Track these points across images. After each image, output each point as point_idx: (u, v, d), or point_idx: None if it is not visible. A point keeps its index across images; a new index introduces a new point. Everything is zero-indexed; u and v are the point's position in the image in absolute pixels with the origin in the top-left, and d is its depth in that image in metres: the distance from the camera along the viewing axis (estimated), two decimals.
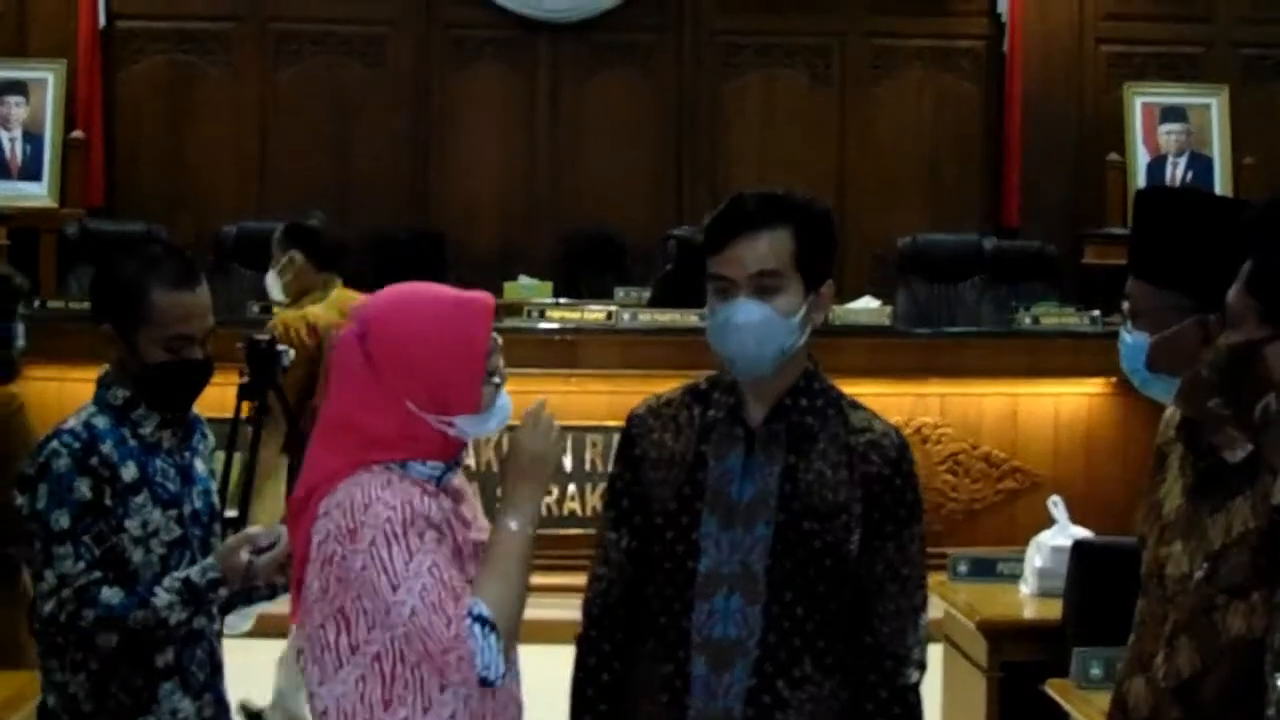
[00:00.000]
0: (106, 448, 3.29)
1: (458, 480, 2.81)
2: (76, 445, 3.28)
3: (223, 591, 3.31)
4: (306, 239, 6.39)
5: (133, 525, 3.29)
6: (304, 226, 6.46)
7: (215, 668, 3.44)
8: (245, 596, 3.40)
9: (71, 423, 3.34)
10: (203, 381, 3.39)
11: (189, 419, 3.48)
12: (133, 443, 3.34)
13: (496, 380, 2.74)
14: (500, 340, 2.78)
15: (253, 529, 3.36)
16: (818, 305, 2.82)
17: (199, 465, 3.46)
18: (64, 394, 6.96)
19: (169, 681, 3.33)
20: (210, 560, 3.30)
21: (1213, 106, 10.09)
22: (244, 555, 3.28)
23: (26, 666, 3.86)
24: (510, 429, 2.87)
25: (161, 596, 3.24)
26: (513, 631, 2.67)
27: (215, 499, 3.50)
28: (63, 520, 3.24)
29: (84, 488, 3.25)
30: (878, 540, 2.78)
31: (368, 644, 2.64)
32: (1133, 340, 2.75)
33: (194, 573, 3.27)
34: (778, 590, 2.75)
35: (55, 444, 3.29)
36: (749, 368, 2.79)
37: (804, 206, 2.82)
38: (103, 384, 3.40)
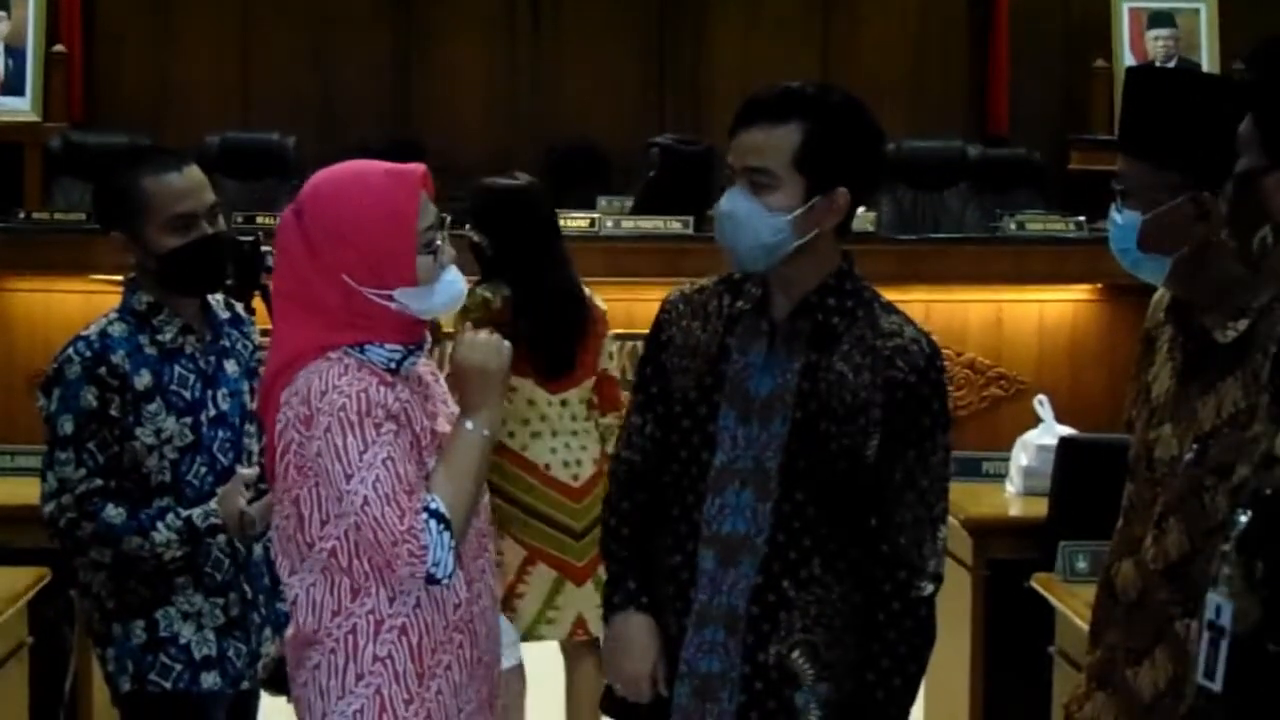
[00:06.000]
0: (117, 357, 3.35)
1: (421, 367, 2.78)
2: (88, 354, 3.35)
3: (220, 537, 3.36)
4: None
5: (144, 433, 3.36)
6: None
7: (241, 568, 3.46)
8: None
9: (90, 330, 3.41)
10: (221, 256, 3.42)
11: (217, 321, 3.51)
12: (150, 350, 3.39)
13: (435, 250, 2.68)
14: (447, 218, 2.73)
15: (245, 470, 3.37)
16: (826, 209, 2.72)
17: (229, 367, 3.49)
18: (50, 305, 6.96)
19: (181, 578, 3.39)
20: (213, 505, 3.34)
21: (1201, 12, 9.99)
22: (240, 501, 3.31)
23: None
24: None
25: (161, 533, 3.32)
26: (464, 531, 2.64)
27: (247, 399, 3.49)
28: (67, 426, 3.33)
29: (90, 396, 3.33)
30: (899, 447, 2.72)
31: (322, 539, 2.63)
32: (1123, 220, 2.71)
33: (196, 515, 3.33)
34: (789, 489, 2.72)
35: (70, 350, 3.37)
36: (734, 259, 2.77)
37: (821, 102, 2.74)
38: (129, 289, 3.45)
